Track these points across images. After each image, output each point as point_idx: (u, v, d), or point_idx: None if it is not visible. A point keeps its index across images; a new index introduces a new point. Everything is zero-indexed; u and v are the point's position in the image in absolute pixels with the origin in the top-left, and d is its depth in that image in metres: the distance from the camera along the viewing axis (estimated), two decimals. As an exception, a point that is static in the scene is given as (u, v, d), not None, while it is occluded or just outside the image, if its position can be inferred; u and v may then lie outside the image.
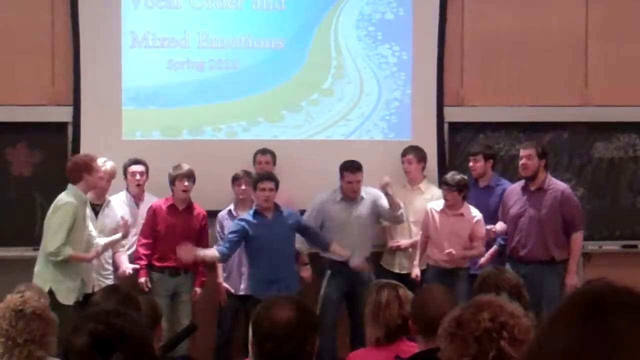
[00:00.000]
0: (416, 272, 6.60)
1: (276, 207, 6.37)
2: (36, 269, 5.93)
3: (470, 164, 6.86)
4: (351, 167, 6.61)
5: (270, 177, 6.37)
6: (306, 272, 6.73)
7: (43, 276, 5.80)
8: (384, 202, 6.60)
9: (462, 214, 6.51)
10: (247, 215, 6.37)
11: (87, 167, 5.99)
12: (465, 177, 6.55)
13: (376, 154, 7.14)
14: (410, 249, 6.86)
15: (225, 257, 6.33)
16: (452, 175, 6.49)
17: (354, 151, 7.07)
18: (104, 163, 6.37)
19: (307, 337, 2.48)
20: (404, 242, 6.87)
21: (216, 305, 6.79)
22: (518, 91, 7.37)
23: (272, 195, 6.30)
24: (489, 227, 6.44)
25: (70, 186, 5.98)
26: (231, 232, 6.31)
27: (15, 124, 7.01)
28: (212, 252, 6.29)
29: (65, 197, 5.92)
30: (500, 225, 6.51)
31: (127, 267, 6.40)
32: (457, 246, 6.47)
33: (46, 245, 5.86)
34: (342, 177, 6.63)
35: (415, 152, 6.99)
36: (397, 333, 3.60)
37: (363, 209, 6.67)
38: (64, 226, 5.81)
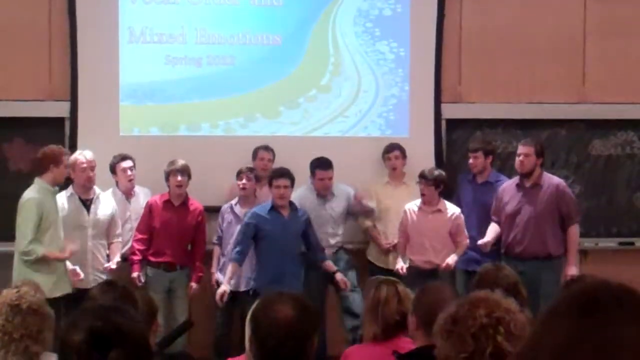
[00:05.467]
0: (401, 264, 6.52)
1: (292, 205, 6.39)
2: (14, 267, 5.92)
3: (471, 160, 6.86)
4: (322, 164, 6.70)
5: (286, 174, 6.37)
6: None
7: (22, 273, 5.76)
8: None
9: (439, 210, 6.53)
10: (261, 210, 6.38)
11: (55, 159, 5.97)
12: (443, 172, 6.56)
13: (373, 151, 7.14)
14: None
15: (241, 262, 6.37)
16: (431, 170, 6.53)
17: (351, 148, 7.09)
18: (81, 153, 6.34)
19: (309, 335, 2.46)
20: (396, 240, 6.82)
21: (213, 301, 6.78)
22: (516, 88, 7.38)
23: (287, 192, 6.32)
24: (480, 242, 6.38)
25: (36, 179, 5.99)
26: (239, 233, 6.37)
27: (13, 119, 7.01)
28: (230, 271, 6.33)
29: (26, 194, 5.92)
30: (488, 237, 6.46)
31: (110, 263, 6.37)
32: (438, 244, 6.51)
33: (17, 246, 5.86)
34: (313, 174, 6.71)
35: (400, 148, 7.03)
36: (395, 329, 3.60)
37: (336, 205, 6.80)
38: (29, 224, 5.80)
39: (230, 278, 6.40)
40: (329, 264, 6.47)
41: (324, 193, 6.75)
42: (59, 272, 5.93)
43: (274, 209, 6.35)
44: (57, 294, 5.79)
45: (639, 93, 7.41)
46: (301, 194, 6.73)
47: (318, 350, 2.55)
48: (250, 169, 6.71)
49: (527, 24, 7.38)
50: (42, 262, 5.84)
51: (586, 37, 7.43)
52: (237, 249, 6.35)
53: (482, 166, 6.85)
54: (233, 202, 6.75)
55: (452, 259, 6.46)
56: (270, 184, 6.41)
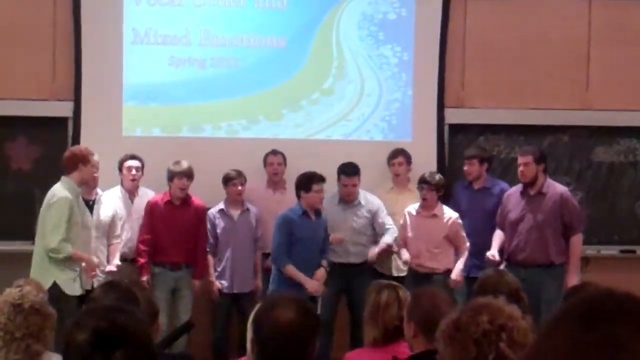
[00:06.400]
0: (406, 255, 6.53)
1: (317, 209, 6.37)
2: (34, 263, 5.92)
3: (466, 167, 6.88)
4: (347, 171, 6.65)
5: (324, 179, 6.28)
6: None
7: (45, 270, 5.79)
8: (383, 218, 6.67)
9: (435, 215, 6.53)
10: (292, 214, 6.31)
11: (84, 158, 5.99)
12: (442, 176, 6.58)
13: (376, 155, 7.13)
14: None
15: (290, 262, 6.28)
16: (431, 175, 6.53)
17: (354, 151, 7.08)
18: None
19: (310, 338, 2.47)
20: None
21: (213, 303, 6.79)
22: (519, 94, 7.37)
23: (322, 196, 6.30)
24: (489, 255, 6.38)
25: (63, 178, 5.99)
26: (281, 240, 6.25)
27: (16, 118, 7.02)
28: (298, 275, 6.23)
29: (59, 192, 5.91)
30: (495, 249, 6.47)
31: (110, 265, 6.38)
32: (433, 248, 6.50)
33: (47, 243, 5.84)
34: (338, 179, 6.67)
35: (404, 154, 7.02)
36: (395, 334, 3.60)
37: (360, 215, 6.71)
38: (61, 222, 5.81)
39: (300, 279, 6.25)
40: (323, 262, 6.42)
41: (348, 199, 6.70)
42: (77, 273, 5.94)
43: (305, 213, 6.30)
44: (76, 292, 5.82)
45: (643, 100, 7.42)
46: (327, 199, 6.65)
47: (322, 354, 2.56)
48: (239, 173, 6.68)
49: (531, 29, 7.38)
50: (66, 260, 5.86)
51: (590, 43, 7.43)
52: (283, 252, 6.24)
53: (477, 173, 6.86)
54: (221, 206, 6.72)
55: (457, 274, 6.44)
56: (307, 189, 6.26)
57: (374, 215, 6.71)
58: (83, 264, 6.01)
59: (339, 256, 6.62)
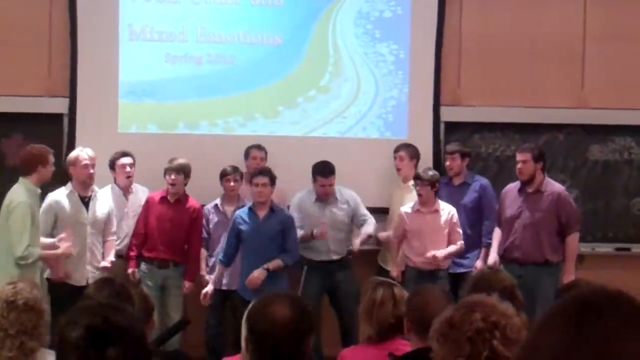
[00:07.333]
0: (396, 272, 6.52)
1: (272, 207, 6.34)
2: None
3: (448, 162, 6.90)
4: (323, 172, 6.61)
5: (263, 172, 6.31)
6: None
7: (6, 277, 5.72)
8: (361, 210, 6.74)
9: (437, 210, 6.52)
10: (242, 210, 6.37)
11: (43, 158, 5.92)
12: (437, 172, 6.59)
13: (372, 152, 7.14)
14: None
15: (228, 263, 6.36)
16: (425, 171, 6.53)
17: (350, 149, 7.09)
18: (83, 150, 6.31)
19: (305, 336, 2.46)
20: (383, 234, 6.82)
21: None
22: (515, 92, 7.38)
23: (264, 190, 6.26)
24: (490, 263, 6.42)
25: (21, 179, 5.90)
26: (228, 238, 6.35)
27: (11, 114, 7.01)
28: (217, 271, 6.39)
29: (17, 196, 5.81)
30: (493, 259, 6.51)
31: (105, 262, 6.35)
32: (440, 244, 6.47)
33: (14, 252, 5.73)
34: (314, 180, 6.64)
35: (407, 149, 6.99)
36: (390, 332, 3.59)
37: (337, 210, 6.72)
38: (25, 228, 5.72)
39: (216, 278, 6.41)
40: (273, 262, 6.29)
41: (324, 199, 6.69)
42: (38, 278, 5.88)
43: (251, 209, 6.33)
44: None
45: (638, 99, 7.42)
46: (301, 196, 6.70)
47: (314, 350, 2.56)
48: (236, 169, 6.68)
49: (527, 28, 7.38)
50: (32, 265, 5.79)
51: (586, 41, 7.44)
52: (223, 250, 6.37)
53: (458, 168, 6.90)
54: (217, 202, 6.72)
55: (442, 253, 6.39)
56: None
57: (352, 207, 6.73)
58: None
59: (321, 254, 6.62)
